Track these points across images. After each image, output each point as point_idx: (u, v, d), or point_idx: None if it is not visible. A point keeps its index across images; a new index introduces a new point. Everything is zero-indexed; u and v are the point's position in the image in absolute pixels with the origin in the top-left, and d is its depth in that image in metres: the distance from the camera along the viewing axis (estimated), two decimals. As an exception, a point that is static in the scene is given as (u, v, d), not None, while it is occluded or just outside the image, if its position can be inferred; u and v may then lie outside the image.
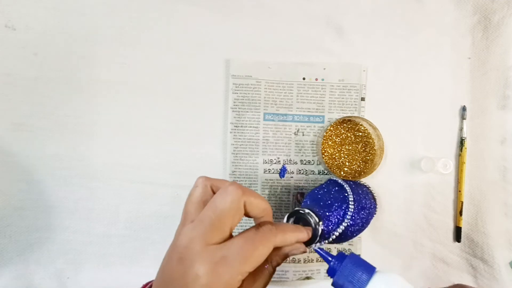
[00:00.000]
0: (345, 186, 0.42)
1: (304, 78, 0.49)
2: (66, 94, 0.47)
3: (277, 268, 0.48)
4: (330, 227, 0.38)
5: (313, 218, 0.36)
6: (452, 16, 0.50)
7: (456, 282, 0.49)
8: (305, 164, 0.49)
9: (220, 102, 0.48)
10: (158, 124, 0.48)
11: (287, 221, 0.38)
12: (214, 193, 0.29)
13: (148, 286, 0.31)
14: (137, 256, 0.47)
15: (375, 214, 0.45)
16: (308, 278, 0.48)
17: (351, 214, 0.39)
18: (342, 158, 0.48)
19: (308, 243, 0.34)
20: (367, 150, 0.48)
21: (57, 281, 0.46)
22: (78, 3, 0.47)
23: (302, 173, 0.49)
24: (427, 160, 0.48)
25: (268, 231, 0.28)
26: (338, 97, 0.49)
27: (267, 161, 0.48)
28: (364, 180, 0.49)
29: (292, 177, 0.49)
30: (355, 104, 0.49)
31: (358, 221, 0.40)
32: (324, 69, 0.49)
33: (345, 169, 0.48)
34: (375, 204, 0.45)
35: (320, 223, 0.36)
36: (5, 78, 0.46)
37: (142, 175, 0.47)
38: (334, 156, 0.47)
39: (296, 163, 0.49)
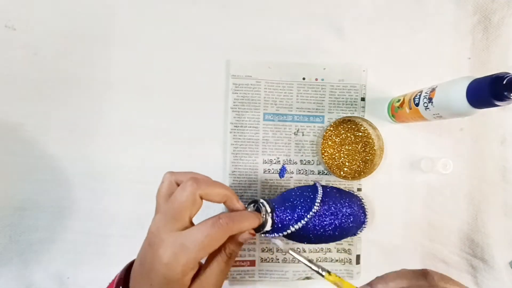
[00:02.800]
0: (318, 188, 0.43)
1: (304, 78, 0.49)
2: (66, 94, 0.47)
3: (277, 268, 0.48)
4: (289, 222, 0.40)
5: (264, 207, 0.39)
6: (452, 16, 0.50)
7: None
8: (305, 164, 0.49)
9: (220, 102, 0.48)
10: (158, 124, 0.48)
11: (248, 206, 0.41)
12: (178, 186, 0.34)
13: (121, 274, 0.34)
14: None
15: (364, 227, 0.45)
16: (308, 278, 0.48)
17: (313, 213, 0.40)
18: (342, 158, 0.48)
19: (257, 230, 0.38)
20: (367, 150, 0.48)
21: (57, 281, 0.46)
22: (78, 3, 0.47)
23: (302, 173, 0.49)
24: (427, 160, 0.48)
25: (224, 225, 0.32)
26: (338, 97, 0.49)
27: (267, 161, 0.48)
28: (364, 181, 0.49)
29: (292, 177, 0.49)
30: (355, 104, 0.49)
31: (327, 225, 0.41)
32: (324, 69, 0.49)
33: (345, 169, 0.48)
34: (364, 218, 0.45)
35: (270, 213, 0.39)
36: (5, 78, 0.46)
37: (142, 175, 0.47)
38: (334, 156, 0.47)
39: (296, 163, 0.49)
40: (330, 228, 0.41)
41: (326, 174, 0.49)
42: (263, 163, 0.48)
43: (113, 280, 0.34)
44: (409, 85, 0.45)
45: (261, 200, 0.40)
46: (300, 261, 0.35)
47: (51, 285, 0.46)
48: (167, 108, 0.48)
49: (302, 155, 0.49)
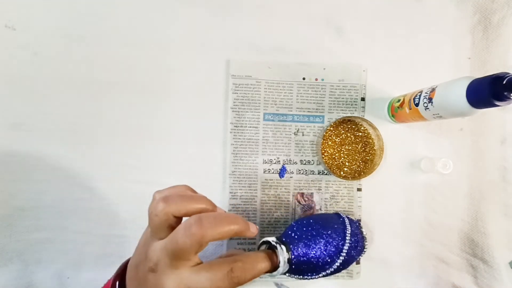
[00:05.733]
0: (345, 221, 0.41)
1: (304, 78, 0.49)
2: (66, 94, 0.47)
3: (277, 268, 0.48)
4: (319, 261, 0.37)
5: (284, 262, 0.35)
6: (452, 16, 0.50)
7: (456, 282, 0.49)
8: (305, 164, 0.49)
9: (220, 102, 0.48)
10: (158, 124, 0.48)
11: (261, 245, 0.38)
12: (176, 217, 0.30)
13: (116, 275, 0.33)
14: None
15: (365, 250, 0.43)
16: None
17: (346, 251, 0.38)
18: (342, 158, 0.48)
19: (273, 270, 0.35)
20: (367, 150, 0.48)
21: (57, 281, 0.46)
22: (78, 3, 0.47)
23: (302, 173, 0.49)
24: (427, 160, 0.48)
25: (236, 280, 0.29)
26: (338, 97, 0.49)
27: (266, 161, 0.48)
28: (364, 181, 0.49)
29: (291, 177, 0.49)
30: (355, 104, 0.49)
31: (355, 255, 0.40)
32: (324, 69, 0.49)
33: (345, 169, 0.48)
34: (363, 249, 0.43)
35: (286, 255, 0.36)
36: (5, 78, 0.46)
37: (142, 175, 0.47)
38: (334, 156, 0.47)
39: (296, 163, 0.49)
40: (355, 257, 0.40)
41: (326, 174, 0.49)
42: (263, 163, 0.48)
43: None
44: (409, 85, 0.45)
45: (282, 247, 0.36)
46: None
47: (51, 285, 0.46)
48: (167, 108, 0.48)
49: (302, 155, 0.49)
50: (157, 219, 0.29)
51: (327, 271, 0.38)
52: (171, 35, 0.48)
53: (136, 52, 0.48)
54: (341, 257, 0.38)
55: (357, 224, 0.44)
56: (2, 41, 0.46)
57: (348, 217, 0.43)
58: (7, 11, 0.46)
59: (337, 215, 0.43)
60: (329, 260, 0.37)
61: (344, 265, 0.39)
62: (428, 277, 0.49)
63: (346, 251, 0.38)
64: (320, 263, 0.37)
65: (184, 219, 0.30)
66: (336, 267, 0.38)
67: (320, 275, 0.38)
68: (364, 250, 0.43)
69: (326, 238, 0.38)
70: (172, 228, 0.29)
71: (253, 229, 0.32)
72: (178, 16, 0.48)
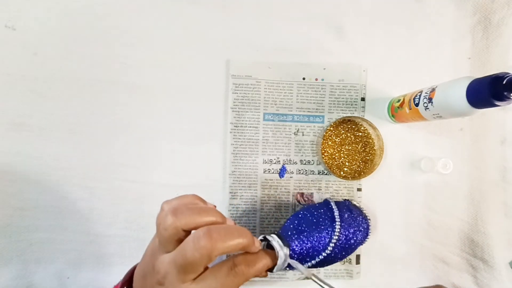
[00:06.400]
0: (334, 209, 0.41)
1: (304, 78, 0.49)
2: (66, 94, 0.47)
3: (277, 268, 0.48)
4: (310, 252, 0.38)
5: (280, 247, 0.36)
6: (452, 16, 0.50)
7: (456, 282, 0.49)
8: (305, 164, 0.49)
9: (220, 102, 0.48)
10: (158, 124, 0.48)
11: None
12: (185, 231, 0.29)
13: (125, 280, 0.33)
14: (137, 256, 0.47)
15: (367, 239, 0.44)
16: (308, 278, 0.48)
17: (335, 239, 0.39)
18: (342, 158, 0.48)
19: (271, 269, 0.35)
20: (367, 150, 0.48)
21: (57, 281, 0.46)
22: (78, 3, 0.47)
23: (302, 173, 0.49)
24: (427, 160, 0.48)
25: (240, 274, 0.30)
26: (338, 97, 0.49)
27: (266, 161, 0.48)
28: (364, 181, 0.49)
29: (291, 177, 0.49)
30: (355, 104, 0.49)
31: (340, 249, 0.40)
32: (324, 69, 0.49)
33: (345, 169, 0.48)
34: (368, 230, 0.44)
35: (286, 250, 0.36)
36: (5, 78, 0.46)
37: (142, 175, 0.47)
38: (334, 156, 0.47)
39: (296, 163, 0.49)
40: (345, 250, 0.40)
41: (326, 174, 0.49)
42: (263, 163, 0.48)
43: None
44: (409, 85, 0.45)
45: (273, 236, 0.37)
46: None
47: (51, 285, 0.46)
48: (167, 108, 0.48)
49: (302, 155, 0.49)
50: (166, 233, 0.29)
51: (325, 252, 0.38)
52: (171, 35, 0.48)
53: (136, 52, 0.48)
54: (334, 237, 0.39)
55: (347, 203, 0.44)
56: (2, 41, 0.46)
57: (335, 201, 0.44)
58: (7, 11, 0.46)
59: (325, 201, 0.44)
60: (324, 242, 0.39)
61: (343, 244, 0.40)
62: (428, 277, 0.49)
63: (338, 230, 0.39)
64: (316, 248, 0.38)
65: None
66: (332, 246, 0.38)
67: (318, 258, 0.38)
68: (368, 218, 0.44)
69: (317, 223, 0.40)
70: (180, 241, 0.29)
71: (257, 244, 0.32)
72: (178, 15, 0.48)
